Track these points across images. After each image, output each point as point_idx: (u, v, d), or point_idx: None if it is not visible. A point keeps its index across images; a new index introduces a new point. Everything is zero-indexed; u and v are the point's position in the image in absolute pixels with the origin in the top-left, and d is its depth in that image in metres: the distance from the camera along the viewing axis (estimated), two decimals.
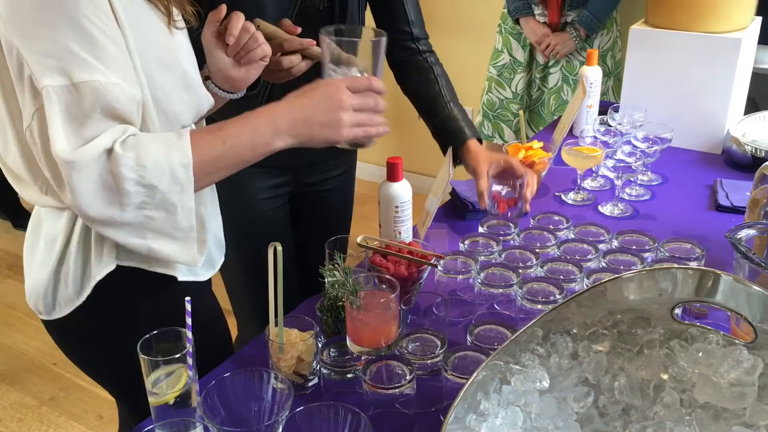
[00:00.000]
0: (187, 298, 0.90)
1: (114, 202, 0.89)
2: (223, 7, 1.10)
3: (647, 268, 0.85)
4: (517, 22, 2.49)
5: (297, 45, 1.17)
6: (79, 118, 0.86)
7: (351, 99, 0.99)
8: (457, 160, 1.43)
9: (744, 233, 0.95)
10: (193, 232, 0.97)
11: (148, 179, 0.89)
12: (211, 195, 1.13)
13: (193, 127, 1.08)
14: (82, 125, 0.86)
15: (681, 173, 1.64)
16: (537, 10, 2.44)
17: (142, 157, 0.88)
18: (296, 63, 1.18)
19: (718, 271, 0.82)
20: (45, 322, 1.07)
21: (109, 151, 0.87)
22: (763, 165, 1.18)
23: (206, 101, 1.08)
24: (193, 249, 0.98)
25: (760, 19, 1.77)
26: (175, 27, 0.99)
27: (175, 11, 1.00)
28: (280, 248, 0.98)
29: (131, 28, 0.90)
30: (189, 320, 0.90)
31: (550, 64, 2.51)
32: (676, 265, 0.87)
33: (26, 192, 1.01)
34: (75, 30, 0.84)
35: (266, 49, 1.13)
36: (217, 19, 1.10)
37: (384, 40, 1.08)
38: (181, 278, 1.06)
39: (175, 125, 1.01)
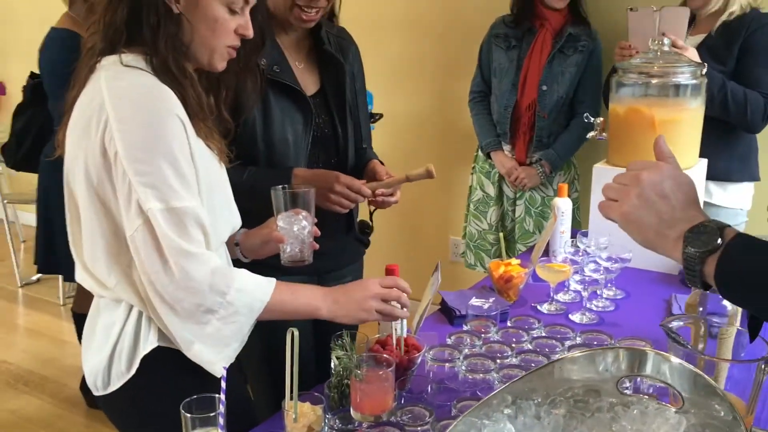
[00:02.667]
0: (224, 366, 1.12)
1: (203, 302, 1.16)
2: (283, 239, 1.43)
3: (589, 350, 1.07)
4: (488, 156, 2.85)
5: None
6: (178, 228, 1.15)
7: (379, 290, 1.30)
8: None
9: (675, 323, 1.18)
10: (234, 351, 1.24)
11: (235, 301, 1.18)
12: None
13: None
14: (182, 233, 1.15)
15: (642, 289, 1.88)
16: (506, 148, 2.80)
17: (241, 282, 1.19)
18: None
19: (647, 350, 1.03)
20: (100, 397, 1.27)
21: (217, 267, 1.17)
22: None
23: (238, 223, 1.39)
24: (222, 362, 1.23)
25: (705, 160, 2.07)
26: (223, 163, 1.32)
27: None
28: (297, 333, 1.21)
29: (199, 160, 1.20)
30: (224, 384, 1.11)
31: (518, 196, 2.84)
32: (611, 347, 1.09)
33: (94, 285, 1.26)
34: (170, 165, 1.15)
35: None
36: (271, 231, 1.44)
37: (313, 191, 1.45)
38: None
39: (217, 241, 1.29)
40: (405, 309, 1.32)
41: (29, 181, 5.07)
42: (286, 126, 1.66)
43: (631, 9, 2.33)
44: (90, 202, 1.21)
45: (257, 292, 1.22)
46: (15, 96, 5.17)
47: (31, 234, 5.04)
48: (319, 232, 1.46)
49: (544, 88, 2.70)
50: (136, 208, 1.14)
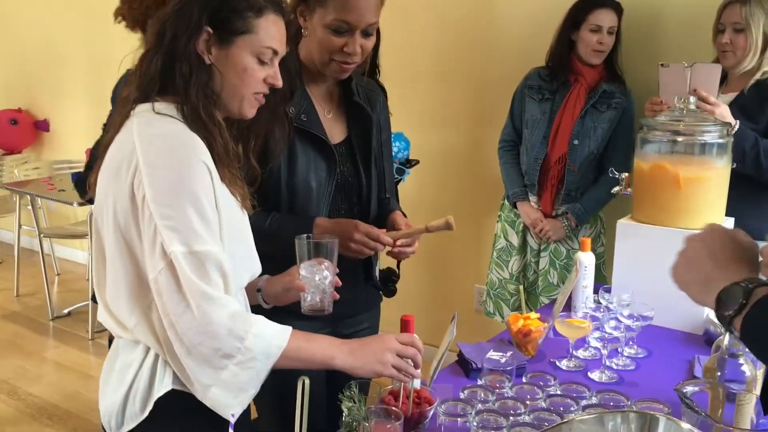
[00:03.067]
0: (232, 414, 1.13)
1: (221, 346, 1.18)
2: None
3: (596, 412, 1.06)
4: (514, 206, 2.85)
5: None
6: (200, 271, 1.17)
7: (396, 345, 1.31)
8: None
9: (690, 388, 1.16)
10: (249, 397, 1.25)
11: (253, 347, 1.20)
12: None
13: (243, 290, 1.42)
14: (204, 276, 1.17)
15: (664, 349, 1.84)
16: (532, 199, 2.80)
17: (258, 328, 1.21)
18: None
19: (657, 414, 1.02)
20: None
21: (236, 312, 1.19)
22: (717, 339, 1.39)
23: (258, 269, 1.41)
24: (238, 407, 1.23)
25: (732, 219, 2.05)
26: (246, 210, 1.35)
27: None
28: (308, 382, 1.21)
29: (223, 206, 1.24)
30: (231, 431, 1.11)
31: (542, 248, 2.82)
32: (620, 410, 1.07)
33: (114, 326, 1.29)
34: (194, 209, 1.18)
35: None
36: (293, 279, 1.47)
37: (337, 242, 1.47)
38: None
39: (236, 286, 1.31)
40: (418, 369, 1.33)
41: (66, 215, 5.21)
42: (310, 173, 1.69)
43: (662, 65, 2.34)
44: (116, 244, 1.24)
45: (275, 338, 1.23)
46: (59, 133, 5.35)
47: (67, 267, 5.17)
48: (340, 283, 1.48)
49: (576, 142, 2.70)
50: (160, 251, 1.17)
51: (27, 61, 5.39)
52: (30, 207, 4.57)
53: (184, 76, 1.26)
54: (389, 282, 1.94)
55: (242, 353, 1.19)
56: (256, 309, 1.50)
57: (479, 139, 3.38)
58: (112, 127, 1.31)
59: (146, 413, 1.24)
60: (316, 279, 1.45)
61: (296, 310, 1.46)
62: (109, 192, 1.24)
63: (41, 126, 5.42)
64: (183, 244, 1.17)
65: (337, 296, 1.48)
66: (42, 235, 4.53)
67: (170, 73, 1.26)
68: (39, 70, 5.32)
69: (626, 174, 2.08)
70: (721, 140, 1.94)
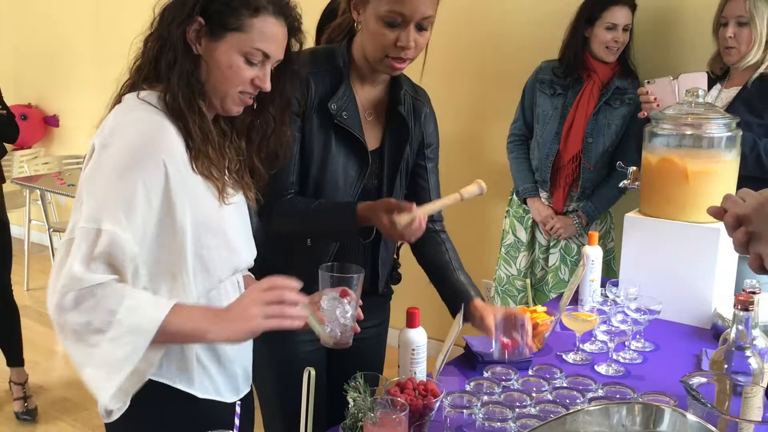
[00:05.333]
0: (238, 402, 1.13)
1: (91, 320, 1.12)
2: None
3: (603, 404, 1.05)
4: (524, 201, 2.83)
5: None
6: (88, 252, 1.15)
7: (257, 295, 1.22)
8: (466, 318, 1.67)
9: (696, 380, 1.16)
10: (127, 380, 1.17)
11: (125, 320, 1.13)
12: None
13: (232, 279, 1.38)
14: (87, 259, 1.15)
15: (672, 343, 1.84)
16: (543, 195, 2.78)
17: (132, 301, 1.15)
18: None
19: (663, 405, 1.02)
20: (108, 425, 1.29)
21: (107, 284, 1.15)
22: (724, 332, 1.39)
23: (245, 262, 1.39)
24: (112, 389, 1.16)
25: None
26: (224, 202, 1.30)
27: (230, 191, 1.33)
28: (313, 373, 1.22)
29: (184, 197, 1.22)
30: (237, 422, 1.12)
31: (551, 244, 2.81)
32: (626, 401, 1.07)
33: None
34: (122, 195, 1.17)
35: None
36: (316, 301, 1.39)
37: (362, 276, 1.40)
38: (200, 396, 1.30)
39: (213, 278, 1.30)
40: (296, 306, 1.24)
41: None
42: (339, 171, 1.65)
43: (648, 81, 2.35)
44: None
45: (148, 313, 1.15)
46: (68, 129, 5.38)
47: None
48: (362, 316, 1.42)
49: (590, 140, 2.68)
50: (71, 227, 1.18)
51: (37, 57, 5.41)
52: (40, 202, 4.59)
53: (169, 63, 1.25)
54: (393, 270, 1.93)
55: (113, 328, 1.12)
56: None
57: (485, 132, 3.37)
58: (107, 110, 1.31)
59: (127, 404, 1.22)
60: (337, 313, 1.40)
61: None
62: (82, 175, 1.25)
63: (51, 121, 5.45)
64: (94, 221, 1.15)
65: (358, 329, 1.42)
66: (52, 230, 4.56)
67: (158, 58, 1.27)
68: (49, 66, 5.35)
69: (634, 168, 2.08)
70: (729, 133, 1.93)
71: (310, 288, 1.34)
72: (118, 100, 1.30)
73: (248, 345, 1.45)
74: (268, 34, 1.27)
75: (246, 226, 1.42)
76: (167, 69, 1.25)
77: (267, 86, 1.31)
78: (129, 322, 1.13)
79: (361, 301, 1.42)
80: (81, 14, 5.02)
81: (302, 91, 1.58)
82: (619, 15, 2.62)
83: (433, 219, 1.82)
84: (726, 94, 2.32)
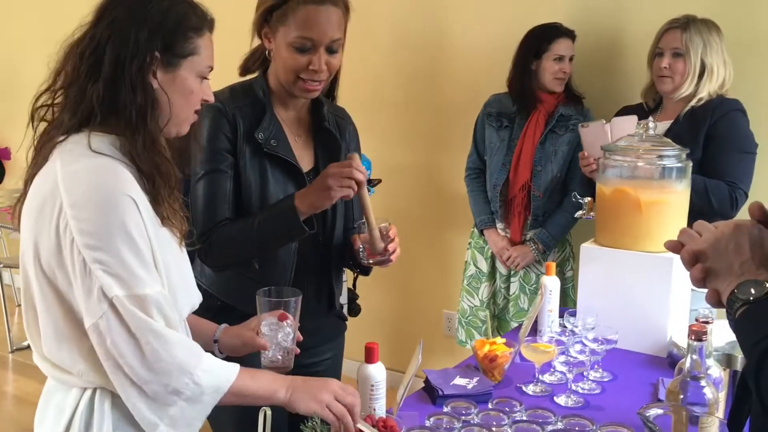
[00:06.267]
0: None
1: (170, 382, 1.15)
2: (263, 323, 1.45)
3: None
4: (481, 233, 2.86)
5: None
6: (144, 311, 1.15)
7: (335, 388, 1.30)
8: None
9: (653, 412, 1.16)
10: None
11: (202, 381, 1.18)
12: None
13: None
14: (149, 315, 1.15)
15: (629, 372, 1.85)
16: (500, 226, 2.81)
17: (207, 363, 1.20)
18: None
19: None
20: None
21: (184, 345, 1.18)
22: (680, 362, 1.40)
23: (197, 301, 1.38)
24: None
25: None
26: (182, 246, 1.31)
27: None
28: (269, 413, 1.19)
29: (155, 237, 1.20)
30: None
31: (512, 274, 2.83)
32: None
33: (52, 370, 1.24)
34: (129, 250, 1.15)
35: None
36: (254, 336, 1.44)
37: (299, 299, 1.45)
38: None
39: (177, 319, 1.25)
40: (356, 424, 1.30)
41: None
42: (280, 197, 1.68)
43: (582, 125, 2.42)
44: (41, 291, 1.20)
45: (224, 373, 1.21)
46: (20, 161, 5.26)
47: None
48: (301, 338, 1.46)
49: (539, 168, 2.73)
50: (99, 296, 1.13)
51: None
52: None
53: (132, 105, 1.19)
54: (352, 302, 1.93)
55: (191, 389, 1.17)
56: None
57: (441, 162, 3.40)
58: (37, 157, 1.24)
59: None
60: (278, 337, 1.43)
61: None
62: (32, 234, 1.19)
63: (2, 154, 5.32)
64: (123, 288, 1.14)
65: (298, 351, 1.46)
66: (2, 265, 4.42)
67: (112, 101, 1.19)
68: (0, 99, 5.24)
69: (588, 198, 2.11)
70: (680, 164, 1.98)
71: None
72: (53, 145, 1.21)
73: None
74: (210, 49, 1.29)
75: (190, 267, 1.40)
76: (125, 111, 1.19)
77: (212, 98, 1.34)
78: (205, 384, 1.18)
79: (298, 323, 1.45)
80: (33, 44, 4.94)
81: (231, 128, 1.62)
82: (564, 46, 2.72)
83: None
84: (660, 127, 2.38)
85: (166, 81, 1.23)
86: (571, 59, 2.74)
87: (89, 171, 1.17)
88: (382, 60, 3.49)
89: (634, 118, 2.30)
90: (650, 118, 2.42)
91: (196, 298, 1.37)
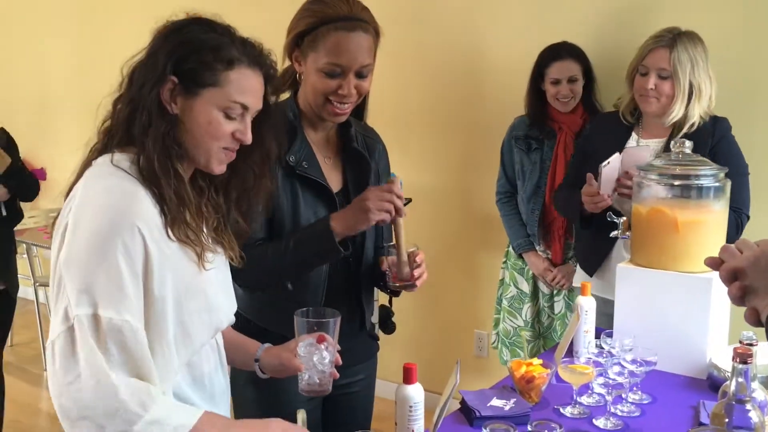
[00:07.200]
0: None
1: (107, 425, 1.09)
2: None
3: None
4: (520, 256, 2.84)
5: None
6: (99, 340, 1.10)
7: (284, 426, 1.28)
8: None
9: None
10: None
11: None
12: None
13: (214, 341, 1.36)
14: (102, 347, 1.11)
15: (669, 394, 1.82)
16: (539, 247, 2.79)
17: (156, 413, 1.12)
18: None
19: None
20: None
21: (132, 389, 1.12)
22: (724, 385, 1.38)
23: (226, 321, 1.36)
24: None
25: None
26: (204, 267, 1.26)
27: (209, 255, 1.28)
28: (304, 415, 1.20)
29: (163, 265, 1.18)
30: None
31: (555, 293, 2.80)
32: None
33: None
34: (109, 278, 1.12)
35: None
36: (291, 358, 1.43)
37: (338, 320, 1.43)
38: None
39: (195, 344, 1.26)
40: None
41: None
42: (311, 218, 1.69)
43: (602, 165, 2.20)
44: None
45: (174, 421, 1.13)
46: (56, 181, 5.35)
47: None
48: (341, 361, 1.44)
49: None
50: (63, 315, 1.11)
51: (22, 111, 5.41)
52: (26, 256, 4.54)
53: (143, 125, 1.20)
54: (387, 319, 1.92)
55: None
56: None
57: (471, 183, 3.40)
58: (74, 177, 1.26)
59: None
60: (314, 359, 1.40)
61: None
62: (54, 248, 1.19)
63: (38, 175, 5.42)
64: (90, 306, 1.10)
65: (337, 375, 1.44)
66: (38, 284, 4.50)
67: (133, 123, 1.21)
68: (36, 118, 5.35)
69: (624, 218, 2.09)
70: (717, 183, 1.95)
71: None
72: (87, 164, 1.25)
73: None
74: (245, 86, 1.25)
75: (227, 280, 1.39)
76: (141, 132, 1.20)
77: (248, 139, 1.28)
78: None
79: (339, 346, 1.42)
80: (69, 66, 5.05)
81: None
82: (558, 69, 2.71)
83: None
84: (656, 144, 2.33)
85: (185, 108, 1.23)
86: (572, 80, 2.71)
87: (102, 193, 1.18)
88: (415, 80, 3.51)
89: (648, 148, 2.26)
90: (633, 134, 2.39)
91: (219, 319, 1.33)
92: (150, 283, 1.17)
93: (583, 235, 2.49)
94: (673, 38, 2.26)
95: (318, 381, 1.41)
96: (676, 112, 2.28)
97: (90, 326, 1.10)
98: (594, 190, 2.19)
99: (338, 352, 1.46)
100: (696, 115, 2.29)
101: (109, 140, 1.25)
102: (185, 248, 1.23)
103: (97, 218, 1.14)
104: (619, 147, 2.31)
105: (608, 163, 2.21)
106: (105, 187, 1.18)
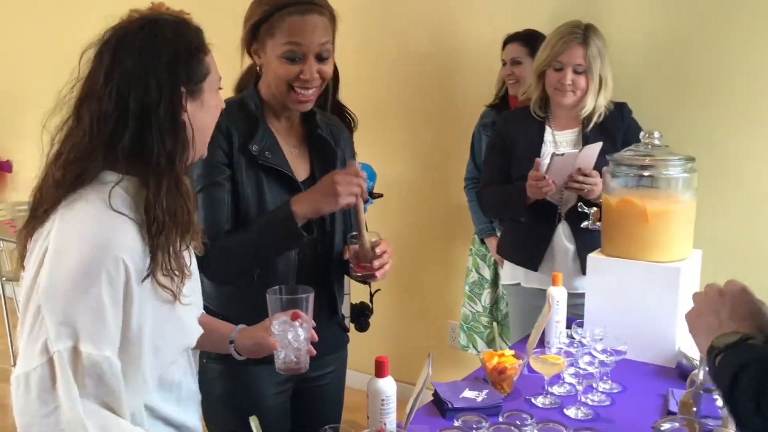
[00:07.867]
0: None
1: None
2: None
3: None
4: (482, 241, 2.86)
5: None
6: (78, 375, 1.08)
7: None
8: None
9: (667, 426, 1.16)
10: None
11: None
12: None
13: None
14: (80, 382, 1.09)
15: (639, 383, 1.84)
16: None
17: None
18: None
19: None
20: None
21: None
22: (692, 373, 1.39)
23: (195, 338, 1.34)
24: None
25: (700, 251, 2.08)
26: (181, 302, 1.23)
27: (185, 288, 1.24)
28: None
29: (143, 295, 1.16)
30: None
31: None
32: None
33: None
34: (91, 312, 1.09)
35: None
36: (266, 336, 1.41)
37: (312, 296, 1.43)
38: None
39: (166, 361, 1.25)
40: None
41: None
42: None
43: (555, 154, 2.25)
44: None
45: None
46: (21, 174, 5.25)
47: None
48: (316, 338, 1.43)
49: None
50: (42, 347, 1.08)
51: None
52: None
53: (162, 150, 1.16)
54: (362, 316, 1.92)
55: None
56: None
57: (444, 173, 3.39)
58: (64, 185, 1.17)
59: None
60: (289, 336, 1.39)
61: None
62: (30, 266, 1.15)
63: (4, 167, 5.32)
64: (70, 339, 1.07)
65: (314, 352, 1.43)
66: (4, 279, 4.41)
67: (139, 151, 1.16)
68: (2, 109, 5.24)
69: (595, 209, 2.11)
70: (685, 174, 1.97)
71: None
72: (82, 176, 1.17)
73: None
74: (214, 62, 1.29)
75: (199, 301, 1.37)
76: (150, 158, 1.16)
77: (223, 103, 1.34)
78: None
79: (314, 323, 1.42)
80: (38, 58, 4.95)
81: (226, 141, 1.62)
82: (507, 52, 2.82)
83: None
84: (566, 135, 2.39)
85: (194, 109, 1.22)
86: (515, 62, 2.78)
87: (87, 220, 1.13)
88: (386, 71, 3.50)
89: (598, 144, 2.28)
90: (547, 128, 2.44)
91: (189, 339, 1.33)
92: (129, 312, 1.15)
93: (518, 230, 2.49)
94: (585, 34, 2.33)
95: (294, 359, 1.40)
96: (590, 104, 2.36)
97: (69, 360, 1.08)
98: (541, 174, 2.22)
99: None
100: (602, 105, 2.38)
101: (113, 161, 1.17)
102: (162, 281, 1.19)
103: (83, 248, 1.11)
104: (539, 140, 2.40)
105: (563, 154, 2.24)
106: (87, 215, 1.14)
